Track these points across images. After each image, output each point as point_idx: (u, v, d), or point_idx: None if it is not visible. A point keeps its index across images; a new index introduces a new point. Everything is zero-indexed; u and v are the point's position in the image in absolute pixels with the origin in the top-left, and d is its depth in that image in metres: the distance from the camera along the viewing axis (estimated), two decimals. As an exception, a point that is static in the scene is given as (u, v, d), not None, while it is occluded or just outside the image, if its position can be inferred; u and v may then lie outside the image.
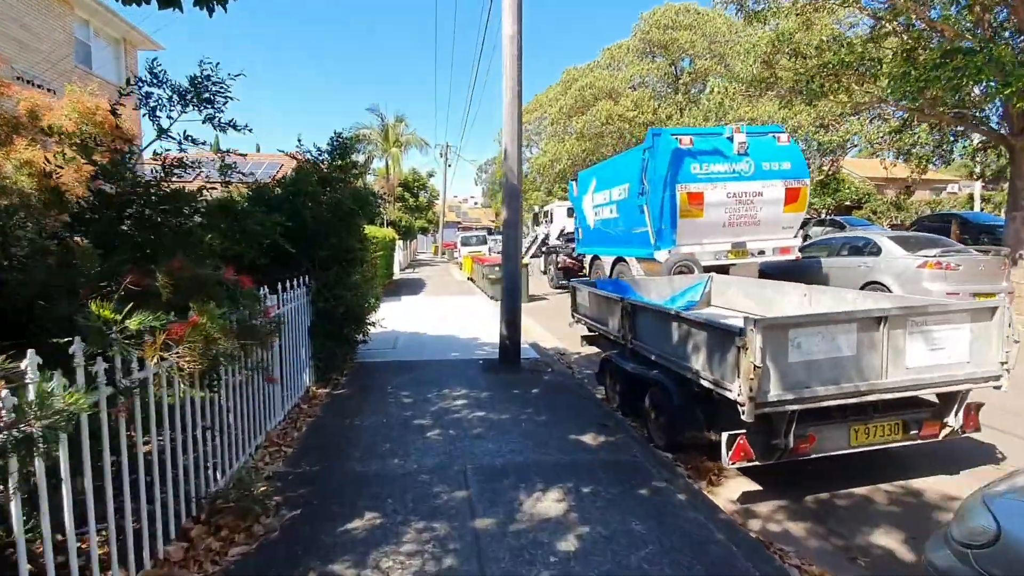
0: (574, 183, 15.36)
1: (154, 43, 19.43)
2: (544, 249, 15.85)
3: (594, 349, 6.48)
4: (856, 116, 17.00)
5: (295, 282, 4.87)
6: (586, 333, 6.32)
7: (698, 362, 3.56)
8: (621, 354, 4.83)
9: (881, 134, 17.97)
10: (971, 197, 33.62)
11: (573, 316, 6.43)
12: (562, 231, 15.72)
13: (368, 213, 6.12)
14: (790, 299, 5.28)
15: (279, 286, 4.51)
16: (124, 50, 18.46)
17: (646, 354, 4.25)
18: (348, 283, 5.65)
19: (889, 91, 10.92)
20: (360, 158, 32.57)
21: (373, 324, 6.57)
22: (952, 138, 16.63)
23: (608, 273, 11.49)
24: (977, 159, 22.28)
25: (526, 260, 15.24)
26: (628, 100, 23.07)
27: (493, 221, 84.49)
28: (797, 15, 12.44)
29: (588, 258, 12.95)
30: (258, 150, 42.50)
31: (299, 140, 5.82)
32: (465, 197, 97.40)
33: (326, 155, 5.93)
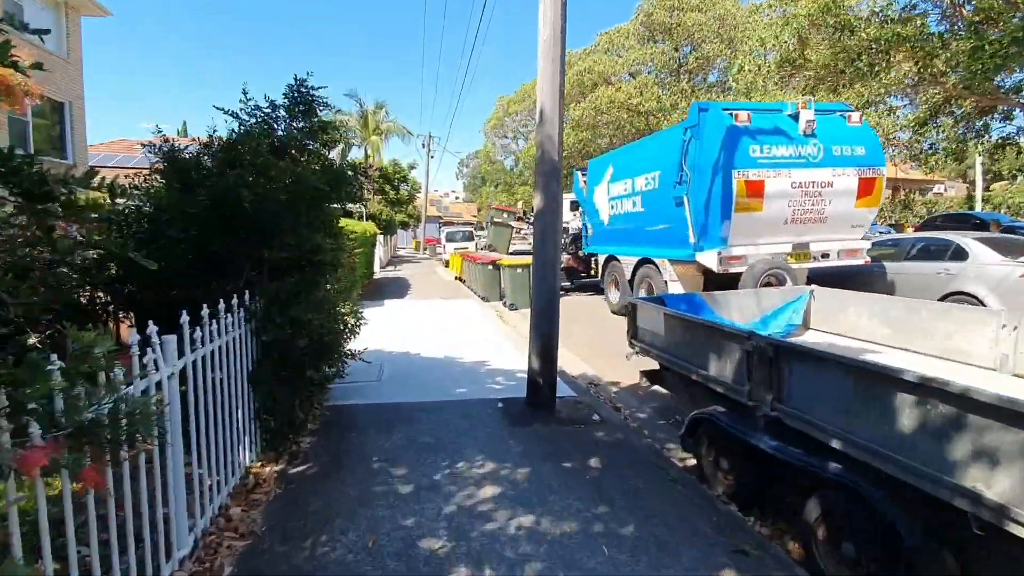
0: (580, 174, 13.62)
1: (101, 8, 17.07)
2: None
3: (656, 387, 4.78)
4: (873, 108, 15.66)
5: (229, 303, 3.03)
6: (649, 366, 4.61)
7: (983, 480, 1.85)
8: (743, 419, 3.11)
9: (899, 127, 16.68)
10: (969, 197, 33.00)
11: (632, 346, 4.69)
12: (565, 228, 13.99)
13: (347, 195, 4.28)
14: (966, 329, 3.63)
15: (203, 311, 2.68)
16: (66, 15, 16.12)
17: (816, 435, 2.53)
18: (313, 300, 3.81)
19: (957, 69, 9.45)
20: (336, 150, 30.38)
21: (352, 356, 4.73)
22: (974, 133, 15.42)
23: (630, 277, 9.80)
24: (996, 156, 21.16)
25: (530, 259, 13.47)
26: (630, 86, 21.38)
27: (475, 216, 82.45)
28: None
29: (602, 258, 11.24)
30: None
31: (244, 92, 3.90)
32: (446, 191, 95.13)
33: (283, 111, 4.06)
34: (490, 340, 7.80)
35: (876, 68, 10.31)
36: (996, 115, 11.00)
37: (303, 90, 4.10)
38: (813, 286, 5.14)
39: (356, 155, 35.35)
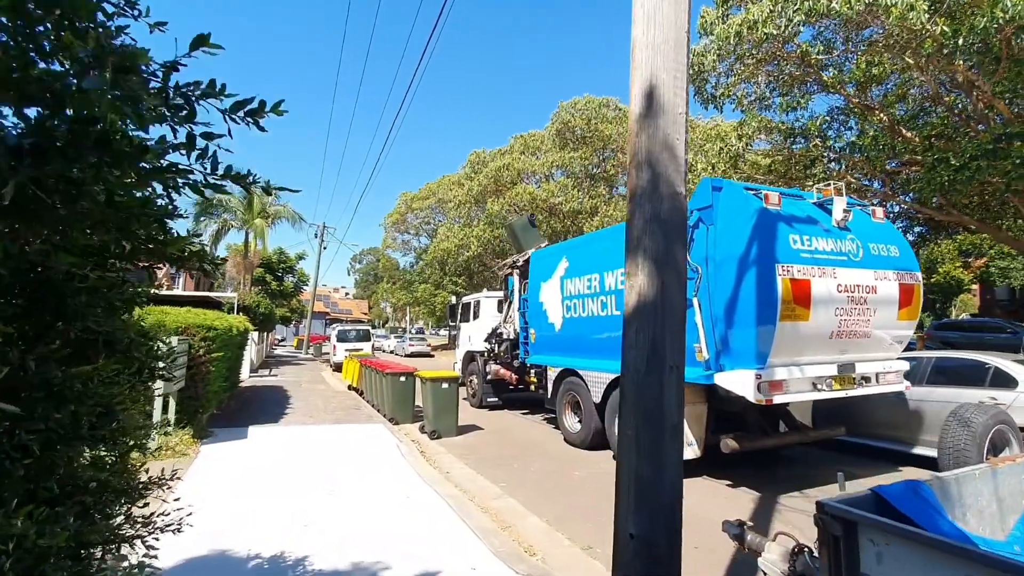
0: (514, 271, 11.58)
1: None
2: (471, 353, 11.37)
3: None
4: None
5: None
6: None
7: None
8: None
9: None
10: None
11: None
12: (495, 331, 11.59)
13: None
14: None
15: None
16: None
17: None
18: None
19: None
20: (211, 227, 26.14)
21: None
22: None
23: (600, 399, 7.44)
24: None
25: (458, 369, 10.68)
26: (552, 186, 20.76)
27: (366, 314, 77.69)
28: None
29: (552, 372, 8.83)
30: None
31: None
32: (336, 287, 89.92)
33: None
34: (421, 510, 4.80)
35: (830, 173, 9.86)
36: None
37: None
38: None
39: (235, 240, 31.07)
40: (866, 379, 5.95)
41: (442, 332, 63.00)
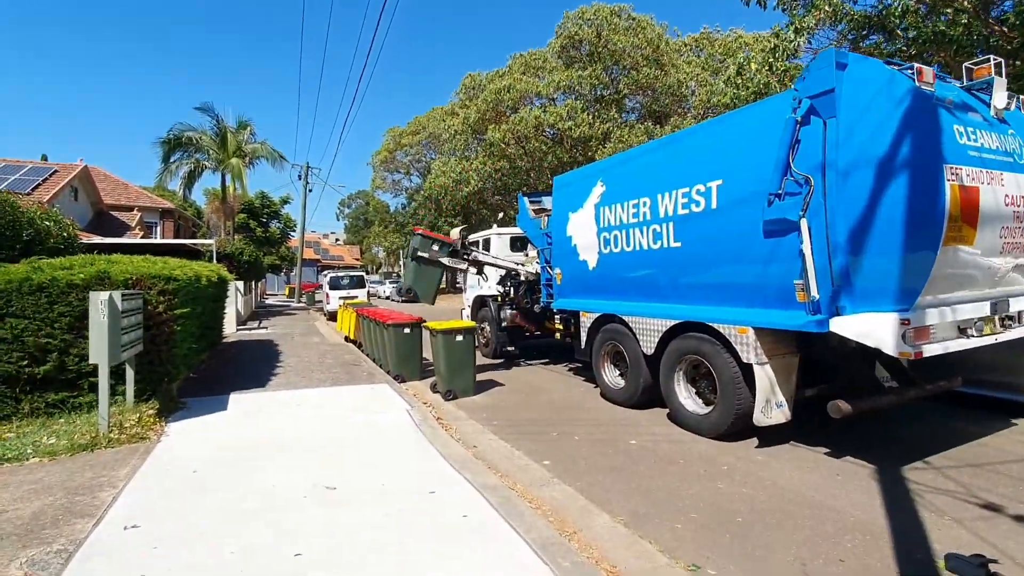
0: (529, 200, 9.99)
1: None
2: (481, 299, 9.83)
3: None
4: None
5: None
6: None
7: None
8: None
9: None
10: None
11: None
12: (511, 273, 10.14)
13: None
14: None
15: None
16: None
17: None
18: None
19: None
20: (183, 168, 23.93)
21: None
22: None
23: (649, 350, 6.12)
24: None
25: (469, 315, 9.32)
26: (561, 109, 18.62)
27: (358, 260, 75.78)
28: None
29: (587, 318, 7.46)
30: None
31: None
32: (326, 232, 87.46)
33: None
34: (452, 515, 3.53)
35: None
36: None
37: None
38: None
39: (211, 183, 28.85)
40: (1014, 319, 4.62)
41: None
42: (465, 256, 9.50)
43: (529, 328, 10.45)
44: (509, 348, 10.62)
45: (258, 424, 5.78)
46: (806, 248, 4.31)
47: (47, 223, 8.58)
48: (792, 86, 4.79)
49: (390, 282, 42.22)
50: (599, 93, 19.75)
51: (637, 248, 6.37)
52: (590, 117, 18.86)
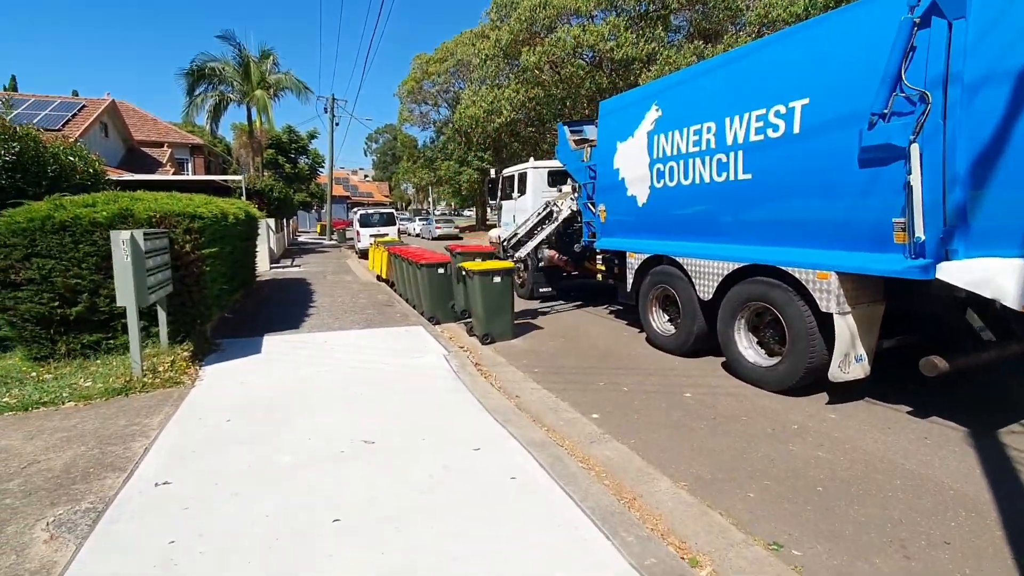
0: (569, 129, 9.21)
1: None
2: (512, 241, 9.26)
3: None
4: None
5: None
6: None
7: None
8: None
9: None
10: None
11: None
12: (549, 210, 9.52)
13: None
14: None
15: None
16: None
17: None
18: None
19: None
20: (208, 101, 23.39)
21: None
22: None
23: (707, 295, 5.59)
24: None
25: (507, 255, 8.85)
26: (602, 27, 17.01)
27: (388, 196, 75.30)
28: None
29: (634, 259, 6.91)
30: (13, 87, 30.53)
31: None
32: (354, 169, 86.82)
33: None
34: (497, 476, 3.24)
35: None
36: None
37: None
38: None
39: (237, 117, 28.31)
40: None
41: (467, 213, 60.89)
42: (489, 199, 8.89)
43: (567, 268, 9.98)
44: (545, 289, 10.21)
45: (293, 369, 5.60)
46: (915, 179, 3.62)
47: (72, 158, 8.32)
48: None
49: (419, 219, 41.87)
50: (644, 8, 17.88)
51: (697, 181, 5.69)
52: (633, 36, 17.15)
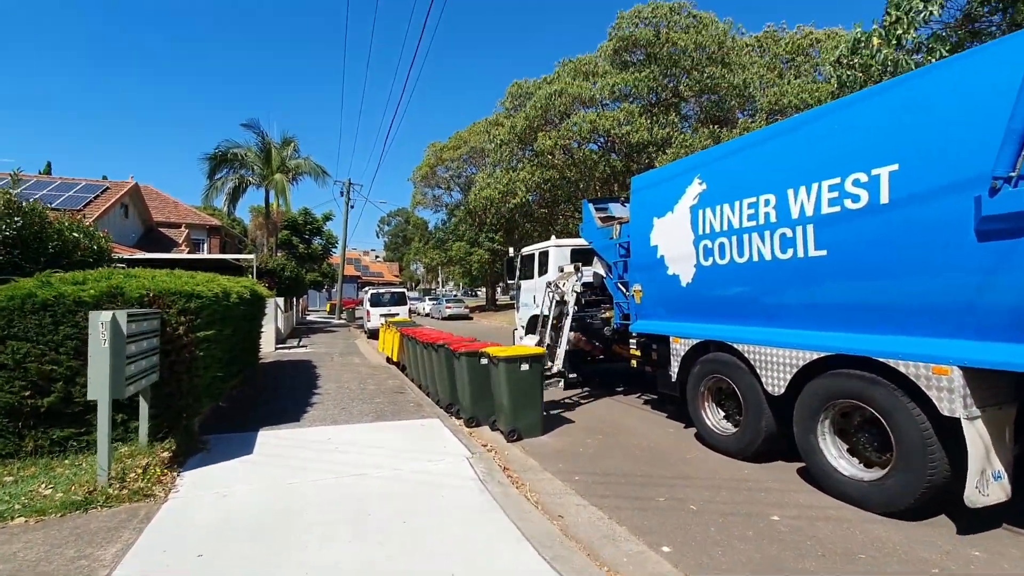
0: (594, 206, 8.81)
1: None
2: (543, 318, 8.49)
3: None
4: None
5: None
6: None
7: None
8: None
9: None
10: None
11: None
12: (560, 296, 8.84)
13: None
14: None
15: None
16: None
17: None
18: None
19: None
20: (228, 185, 23.90)
21: None
22: None
23: (778, 390, 4.76)
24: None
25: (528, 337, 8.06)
26: (618, 113, 17.41)
27: (398, 276, 76.04)
28: None
29: (680, 345, 6.15)
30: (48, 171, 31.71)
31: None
32: (366, 249, 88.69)
33: None
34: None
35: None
36: None
37: None
38: None
39: (255, 199, 28.90)
40: None
41: (479, 293, 60.89)
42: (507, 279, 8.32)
43: (594, 352, 9.19)
44: (571, 375, 9.35)
45: (289, 475, 4.71)
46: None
47: (75, 235, 7.93)
48: (932, 59, 3.47)
49: (429, 299, 41.67)
50: (658, 96, 18.41)
51: (755, 258, 5.06)
52: (648, 122, 17.52)
